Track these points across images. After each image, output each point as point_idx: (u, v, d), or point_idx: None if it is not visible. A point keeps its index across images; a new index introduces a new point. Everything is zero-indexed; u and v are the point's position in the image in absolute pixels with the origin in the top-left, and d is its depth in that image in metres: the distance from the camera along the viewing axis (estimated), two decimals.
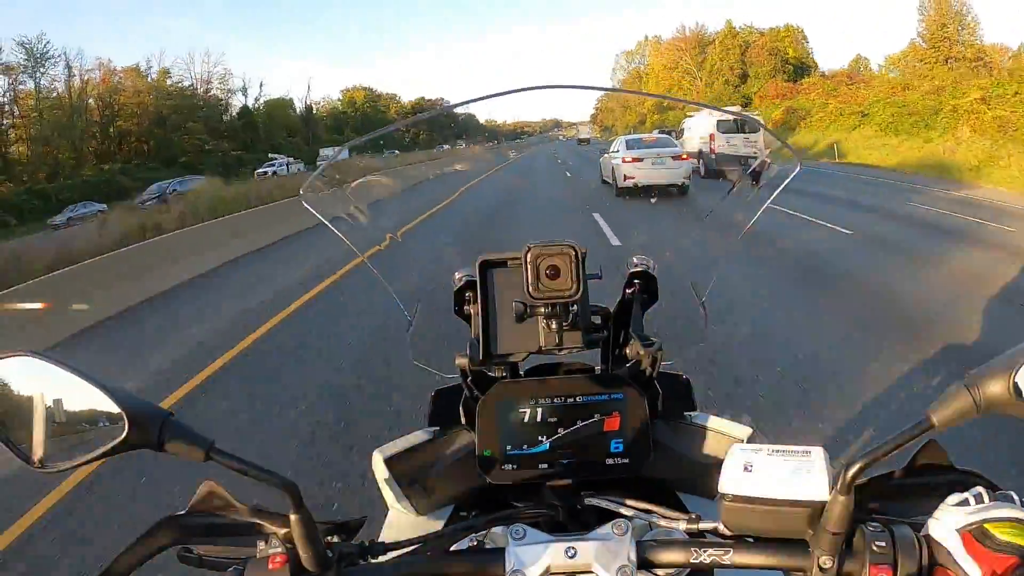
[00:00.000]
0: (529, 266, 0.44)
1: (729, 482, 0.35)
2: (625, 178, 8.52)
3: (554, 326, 0.48)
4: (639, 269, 0.58)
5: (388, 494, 0.59)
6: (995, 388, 0.31)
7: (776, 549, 0.36)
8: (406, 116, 68.68)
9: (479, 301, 0.52)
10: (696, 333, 0.68)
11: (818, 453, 0.35)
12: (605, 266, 0.55)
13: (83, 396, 0.36)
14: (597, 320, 0.56)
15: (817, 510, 0.34)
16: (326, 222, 0.56)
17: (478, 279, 0.52)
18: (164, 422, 0.35)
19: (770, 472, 0.35)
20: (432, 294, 0.69)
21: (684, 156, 8.86)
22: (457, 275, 0.58)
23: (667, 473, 0.56)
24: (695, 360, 2.11)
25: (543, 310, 0.46)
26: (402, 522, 0.59)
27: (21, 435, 0.36)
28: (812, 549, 0.35)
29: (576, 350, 0.50)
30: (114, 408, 0.35)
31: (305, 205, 0.53)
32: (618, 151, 9.32)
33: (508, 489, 0.53)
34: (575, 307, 0.47)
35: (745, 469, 0.35)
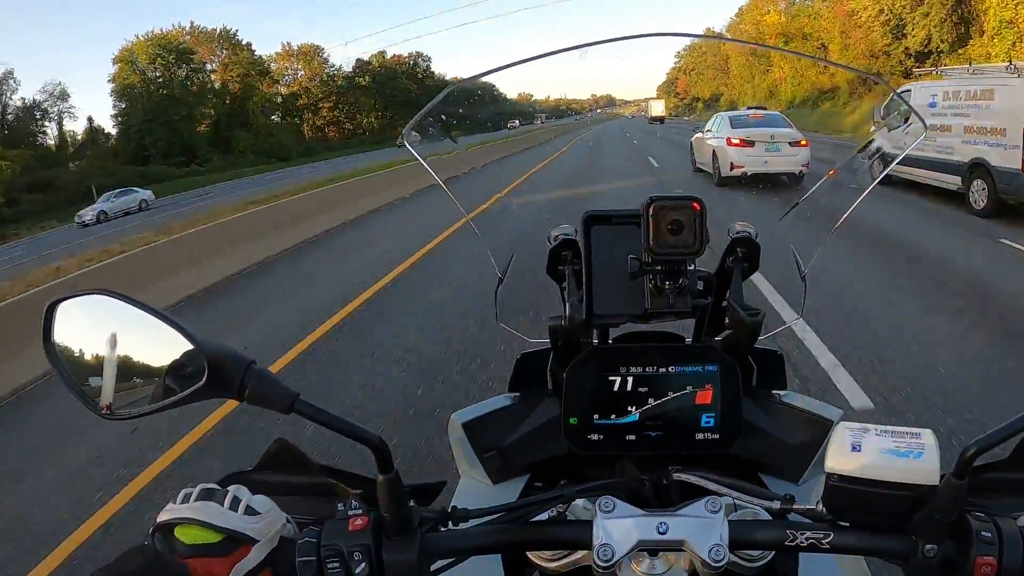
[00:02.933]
0: (651, 219, 0.65)
1: (836, 461, 0.53)
2: (732, 166, 10.51)
3: (665, 287, 0.71)
4: (741, 236, 0.82)
5: (463, 460, 0.92)
6: None
7: (877, 534, 0.54)
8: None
9: (583, 258, 0.77)
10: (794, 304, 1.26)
11: (928, 435, 0.52)
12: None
13: (161, 339, 0.52)
14: (700, 286, 0.82)
15: (924, 495, 0.51)
16: (423, 161, 0.86)
17: (582, 235, 0.77)
18: (247, 370, 0.52)
19: (879, 453, 0.51)
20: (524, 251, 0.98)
21: (803, 142, 10.50)
22: (553, 233, 0.84)
23: (751, 452, 0.83)
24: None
25: (659, 268, 0.70)
26: (475, 489, 0.90)
27: (90, 379, 0.53)
28: (916, 535, 0.53)
29: (682, 315, 0.75)
30: (194, 353, 0.52)
31: (405, 144, 0.82)
32: (719, 131, 11.63)
33: (586, 460, 0.79)
34: (692, 267, 0.71)
35: (853, 448, 0.52)
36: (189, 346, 0.53)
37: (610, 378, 0.75)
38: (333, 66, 78.62)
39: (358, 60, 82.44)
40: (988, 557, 0.52)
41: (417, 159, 0.86)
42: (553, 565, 0.70)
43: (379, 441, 0.56)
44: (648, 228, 0.68)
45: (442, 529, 0.62)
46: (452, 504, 0.68)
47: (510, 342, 3.77)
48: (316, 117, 77.23)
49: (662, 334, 0.89)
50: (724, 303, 0.84)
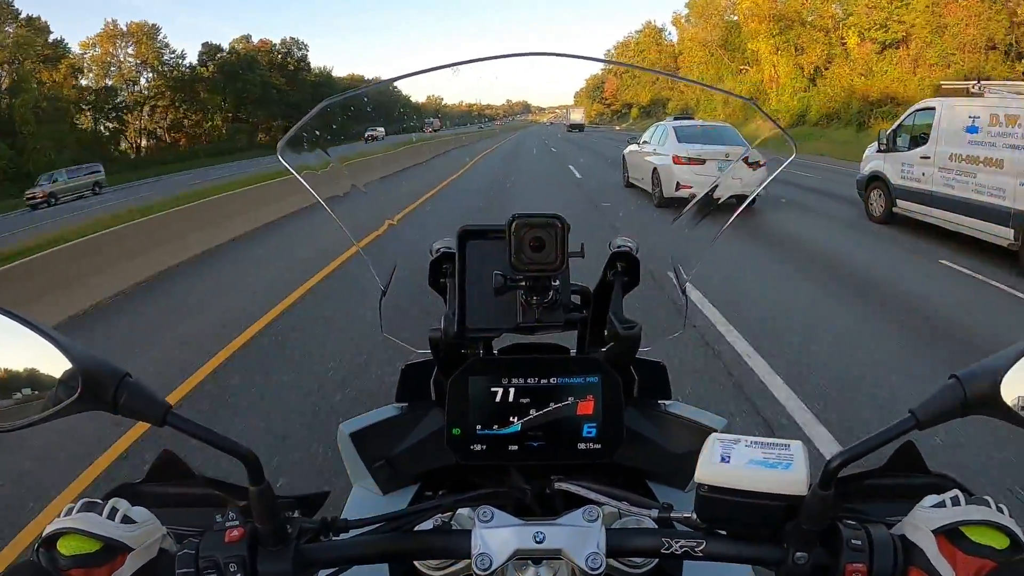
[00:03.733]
0: (513, 236, 0.82)
1: (705, 472, 0.67)
2: (678, 186, 11.08)
3: (534, 302, 0.89)
4: (622, 250, 1.07)
5: (352, 470, 1.12)
6: (981, 390, 0.63)
7: (749, 542, 0.70)
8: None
9: (456, 273, 0.95)
10: (675, 320, 1.57)
11: (797, 447, 0.67)
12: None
13: (35, 351, 0.63)
14: (577, 300, 1.06)
15: (794, 504, 0.66)
16: (299, 176, 1.03)
17: (457, 249, 0.95)
18: (121, 382, 0.64)
19: (748, 464, 0.66)
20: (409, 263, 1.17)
21: (761, 161, 11.21)
22: (435, 245, 1.07)
23: (637, 461, 1.07)
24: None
25: (524, 283, 0.87)
26: (365, 499, 1.11)
27: None
28: (787, 544, 0.67)
29: (555, 329, 0.93)
30: (68, 365, 0.63)
31: (279, 159, 0.98)
32: (662, 146, 12.21)
33: (475, 470, 0.98)
34: (556, 283, 0.89)
35: (722, 460, 0.67)
36: (64, 357, 0.64)
37: (492, 389, 0.93)
38: (174, 52, 73.30)
39: (205, 44, 78.31)
40: (858, 564, 0.65)
41: (295, 176, 1.02)
42: (439, 574, 0.88)
43: (249, 453, 0.68)
44: (510, 245, 0.83)
45: (322, 539, 0.75)
46: (343, 515, 0.83)
47: None
48: (151, 121, 71.78)
49: (548, 346, 1.09)
50: (609, 315, 1.03)
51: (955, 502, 0.68)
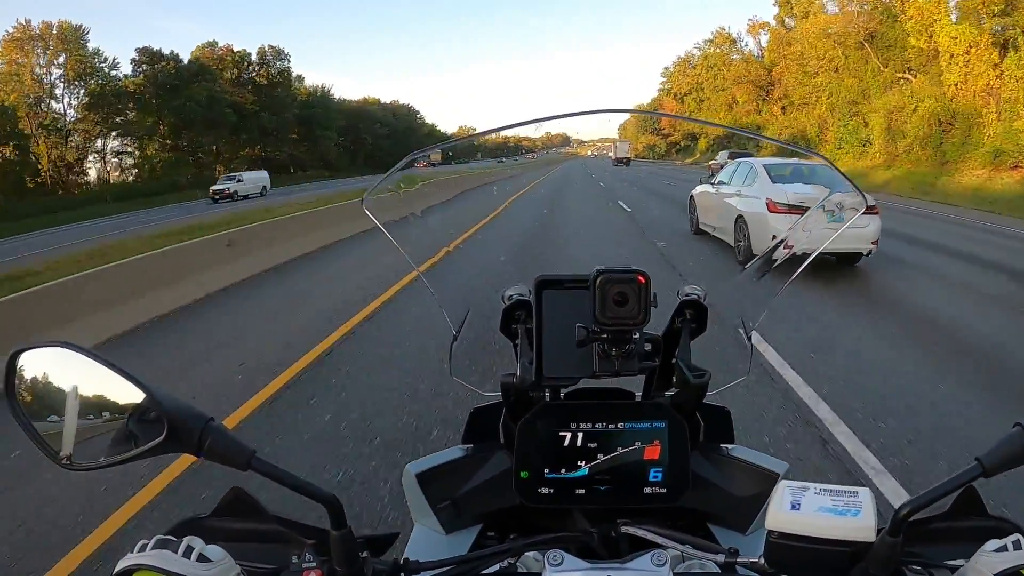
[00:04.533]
0: (597, 291, 1.06)
1: (776, 519, 0.86)
2: (773, 238, 10.42)
3: (613, 352, 1.12)
4: (690, 298, 1.35)
5: (416, 509, 1.38)
6: None
7: None
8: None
9: (534, 321, 1.21)
10: (741, 366, 1.50)
11: (866, 494, 0.85)
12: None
13: (121, 393, 0.83)
14: (648, 347, 1.26)
15: (861, 551, 0.84)
16: (383, 228, 1.32)
17: (534, 299, 1.22)
18: (205, 427, 0.85)
19: (818, 511, 0.84)
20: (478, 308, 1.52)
21: (876, 208, 10.66)
22: (508, 292, 1.36)
23: (700, 504, 1.31)
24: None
25: (605, 335, 1.09)
26: (428, 539, 1.35)
27: (50, 429, 0.83)
28: None
29: (629, 375, 1.16)
30: (153, 409, 0.84)
31: (365, 211, 1.28)
32: (750, 188, 11.92)
33: (538, 512, 1.21)
34: (637, 334, 1.11)
35: (792, 507, 0.86)
36: (149, 400, 0.84)
37: (560, 434, 1.18)
38: (104, 60, 72.38)
39: (140, 51, 76.22)
40: None
41: (382, 230, 1.37)
42: None
43: (332, 498, 0.88)
44: (595, 299, 1.07)
45: None
46: (405, 554, 1.06)
47: None
48: (69, 148, 69.80)
49: (613, 390, 1.34)
50: (673, 360, 1.34)
51: (1016, 546, 0.83)
